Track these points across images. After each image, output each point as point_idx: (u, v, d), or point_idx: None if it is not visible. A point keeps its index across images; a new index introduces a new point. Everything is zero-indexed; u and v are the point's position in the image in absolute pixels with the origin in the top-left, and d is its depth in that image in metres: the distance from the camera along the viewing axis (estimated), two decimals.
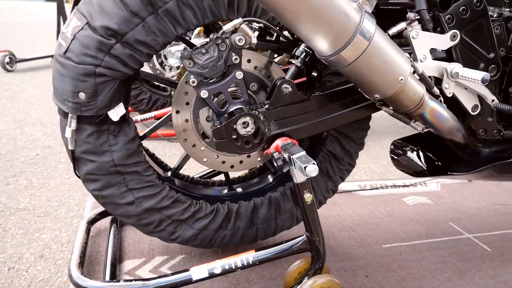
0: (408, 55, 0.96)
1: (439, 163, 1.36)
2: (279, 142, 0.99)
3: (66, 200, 1.69)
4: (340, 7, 0.79)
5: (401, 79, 0.90)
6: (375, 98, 0.94)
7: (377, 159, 2.49)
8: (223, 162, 1.14)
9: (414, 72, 0.98)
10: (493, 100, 1.15)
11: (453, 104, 1.12)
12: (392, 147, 1.50)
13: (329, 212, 1.72)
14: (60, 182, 1.85)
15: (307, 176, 0.86)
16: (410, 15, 1.05)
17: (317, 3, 0.77)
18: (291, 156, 0.90)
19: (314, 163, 0.86)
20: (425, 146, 1.42)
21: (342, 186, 1.72)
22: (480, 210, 1.84)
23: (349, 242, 1.50)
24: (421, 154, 1.43)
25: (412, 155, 1.45)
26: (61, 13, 5.57)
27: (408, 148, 1.47)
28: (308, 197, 0.97)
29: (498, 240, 1.59)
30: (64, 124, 1.01)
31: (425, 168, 1.38)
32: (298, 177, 0.95)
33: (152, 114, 2.50)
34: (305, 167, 0.86)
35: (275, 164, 0.94)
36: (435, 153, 1.39)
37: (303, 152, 0.90)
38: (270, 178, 1.31)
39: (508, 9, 1.27)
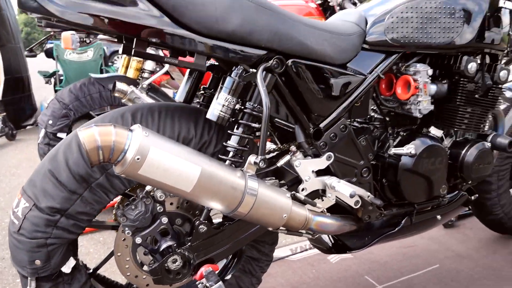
0: (289, 193, 1.26)
1: (340, 242, 1.67)
2: (203, 270, 1.25)
3: None
4: (226, 183, 1.08)
5: (285, 216, 1.20)
6: (269, 230, 1.24)
7: None
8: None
9: (297, 199, 1.28)
10: (368, 196, 1.47)
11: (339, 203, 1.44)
12: None
13: (264, 284, 1.98)
14: None
15: None
16: (292, 148, 1.35)
17: (209, 188, 1.06)
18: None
19: None
20: None
21: (276, 253, 1.99)
22: (391, 257, 2.19)
23: None
24: None
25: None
26: None
27: None
28: None
29: (403, 287, 1.93)
30: (24, 283, 1.22)
31: (331, 246, 1.69)
32: None
33: None
34: None
35: None
36: None
37: (220, 283, 1.17)
38: None
39: (365, 122, 1.63)
